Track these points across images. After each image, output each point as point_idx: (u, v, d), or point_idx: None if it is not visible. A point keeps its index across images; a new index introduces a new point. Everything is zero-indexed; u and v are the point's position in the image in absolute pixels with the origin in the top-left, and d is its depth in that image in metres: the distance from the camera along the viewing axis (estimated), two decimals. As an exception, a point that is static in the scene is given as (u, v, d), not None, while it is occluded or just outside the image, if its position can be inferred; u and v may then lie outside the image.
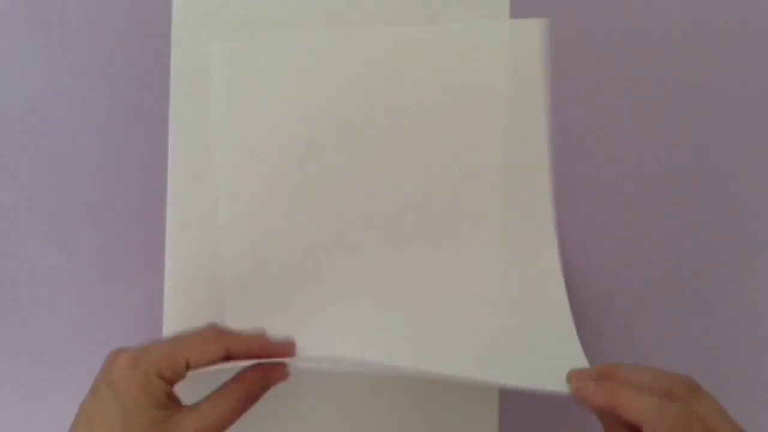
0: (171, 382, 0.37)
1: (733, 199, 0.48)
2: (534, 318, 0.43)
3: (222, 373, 0.38)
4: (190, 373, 0.37)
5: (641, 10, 0.47)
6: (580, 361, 0.40)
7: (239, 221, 0.45)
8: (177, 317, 0.45)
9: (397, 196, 0.45)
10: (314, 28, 0.45)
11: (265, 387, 0.40)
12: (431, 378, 0.42)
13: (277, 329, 0.40)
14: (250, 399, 0.38)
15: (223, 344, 0.37)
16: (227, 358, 0.38)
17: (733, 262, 0.47)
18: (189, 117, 0.46)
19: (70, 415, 0.45)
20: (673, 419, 0.37)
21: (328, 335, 0.43)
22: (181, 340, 0.38)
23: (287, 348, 0.40)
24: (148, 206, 0.46)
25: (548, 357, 0.40)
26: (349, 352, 0.41)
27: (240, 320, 0.44)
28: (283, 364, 0.40)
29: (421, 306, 0.44)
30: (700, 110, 0.47)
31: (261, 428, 0.45)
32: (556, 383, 0.37)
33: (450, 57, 0.44)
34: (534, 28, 0.44)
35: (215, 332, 0.38)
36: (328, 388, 0.46)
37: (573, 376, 0.39)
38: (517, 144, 0.44)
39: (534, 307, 0.43)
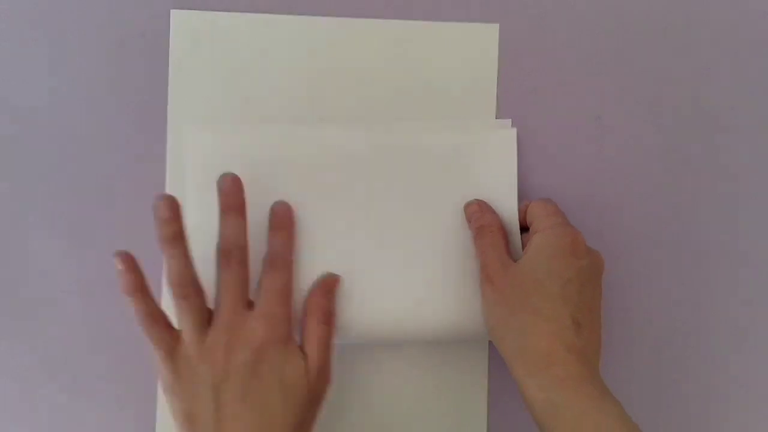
0: None
1: (728, 197, 0.49)
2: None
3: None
4: None
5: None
6: None
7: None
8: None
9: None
10: (313, 125, 0.47)
11: (329, 300, 0.43)
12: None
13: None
14: (328, 317, 0.43)
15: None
16: None
17: (727, 259, 0.49)
18: (184, 119, 0.46)
19: (72, 413, 0.46)
20: (570, 237, 0.42)
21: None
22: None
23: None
24: (149, 207, 0.46)
25: None
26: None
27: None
28: (333, 275, 0.45)
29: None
30: (696, 110, 0.48)
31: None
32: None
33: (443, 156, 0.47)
34: (510, 130, 0.47)
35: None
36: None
37: None
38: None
39: None
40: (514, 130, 0.47)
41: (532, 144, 0.48)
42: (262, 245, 0.44)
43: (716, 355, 0.48)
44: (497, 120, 0.48)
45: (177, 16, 0.47)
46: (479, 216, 0.45)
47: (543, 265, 0.41)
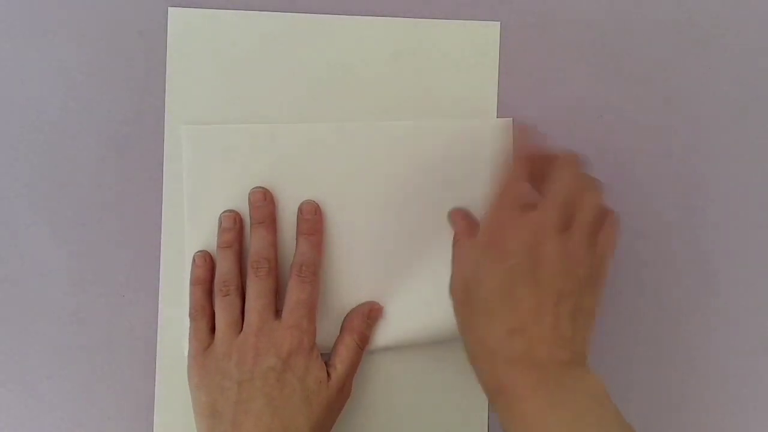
0: None
1: (726, 199, 0.49)
2: None
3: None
4: None
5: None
6: None
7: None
8: (173, 314, 0.46)
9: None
10: (305, 121, 0.47)
11: (368, 326, 0.45)
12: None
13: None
14: (364, 342, 0.45)
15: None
16: None
17: (723, 260, 0.49)
18: (182, 118, 0.46)
19: (72, 412, 0.46)
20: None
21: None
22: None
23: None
24: (147, 206, 0.46)
25: None
26: None
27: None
28: (378, 304, 0.46)
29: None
30: (693, 110, 0.48)
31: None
32: None
33: (439, 150, 0.47)
34: (508, 125, 0.48)
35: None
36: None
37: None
38: None
39: None
40: (510, 120, 0.47)
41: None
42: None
43: (718, 354, 0.48)
44: (499, 119, 0.47)
45: (174, 14, 0.46)
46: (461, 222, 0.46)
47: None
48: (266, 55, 0.47)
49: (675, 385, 0.48)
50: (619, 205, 0.48)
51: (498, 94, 0.47)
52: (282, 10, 0.47)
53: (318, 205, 0.46)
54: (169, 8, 0.46)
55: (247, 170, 0.46)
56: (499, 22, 0.47)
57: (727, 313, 0.48)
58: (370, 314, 0.46)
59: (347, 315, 0.46)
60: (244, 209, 0.46)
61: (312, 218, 0.45)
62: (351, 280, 0.46)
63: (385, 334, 0.46)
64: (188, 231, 0.46)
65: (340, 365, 0.44)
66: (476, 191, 0.46)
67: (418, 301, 0.46)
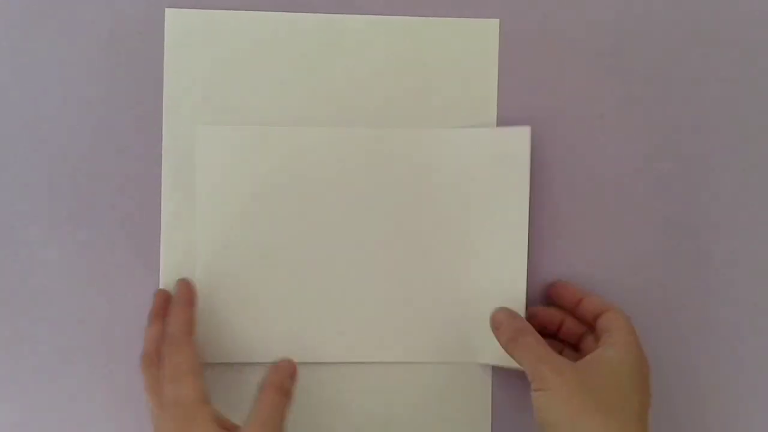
0: None
1: (727, 202, 0.48)
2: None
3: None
4: None
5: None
6: None
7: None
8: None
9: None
10: (313, 126, 0.47)
11: (291, 383, 0.42)
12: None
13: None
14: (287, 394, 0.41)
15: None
16: None
17: (729, 264, 0.48)
18: (180, 118, 0.46)
19: (71, 411, 0.47)
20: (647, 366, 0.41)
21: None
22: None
23: None
24: (146, 205, 0.46)
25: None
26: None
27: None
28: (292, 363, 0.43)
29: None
30: (693, 110, 0.48)
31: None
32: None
33: (445, 157, 0.47)
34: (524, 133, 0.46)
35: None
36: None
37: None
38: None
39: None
40: (528, 128, 0.45)
41: (534, 142, 0.47)
42: (278, 238, 0.46)
43: (719, 358, 0.48)
44: (516, 127, 0.46)
45: (171, 15, 0.46)
46: (510, 321, 0.43)
47: (624, 379, 0.40)
48: (264, 56, 0.47)
49: (675, 386, 0.48)
50: (619, 204, 0.48)
51: (497, 92, 0.47)
52: (280, 9, 0.47)
53: (190, 282, 0.46)
54: (167, 9, 0.46)
55: (259, 170, 0.46)
56: (498, 20, 0.47)
57: (727, 313, 0.48)
58: (281, 371, 0.42)
59: (270, 370, 0.43)
60: (254, 206, 0.46)
61: (185, 291, 0.45)
62: (351, 285, 0.46)
63: (384, 345, 0.46)
64: (200, 229, 0.46)
65: (257, 413, 0.40)
66: (489, 200, 0.46)
67: (416, 311, 0.46)
